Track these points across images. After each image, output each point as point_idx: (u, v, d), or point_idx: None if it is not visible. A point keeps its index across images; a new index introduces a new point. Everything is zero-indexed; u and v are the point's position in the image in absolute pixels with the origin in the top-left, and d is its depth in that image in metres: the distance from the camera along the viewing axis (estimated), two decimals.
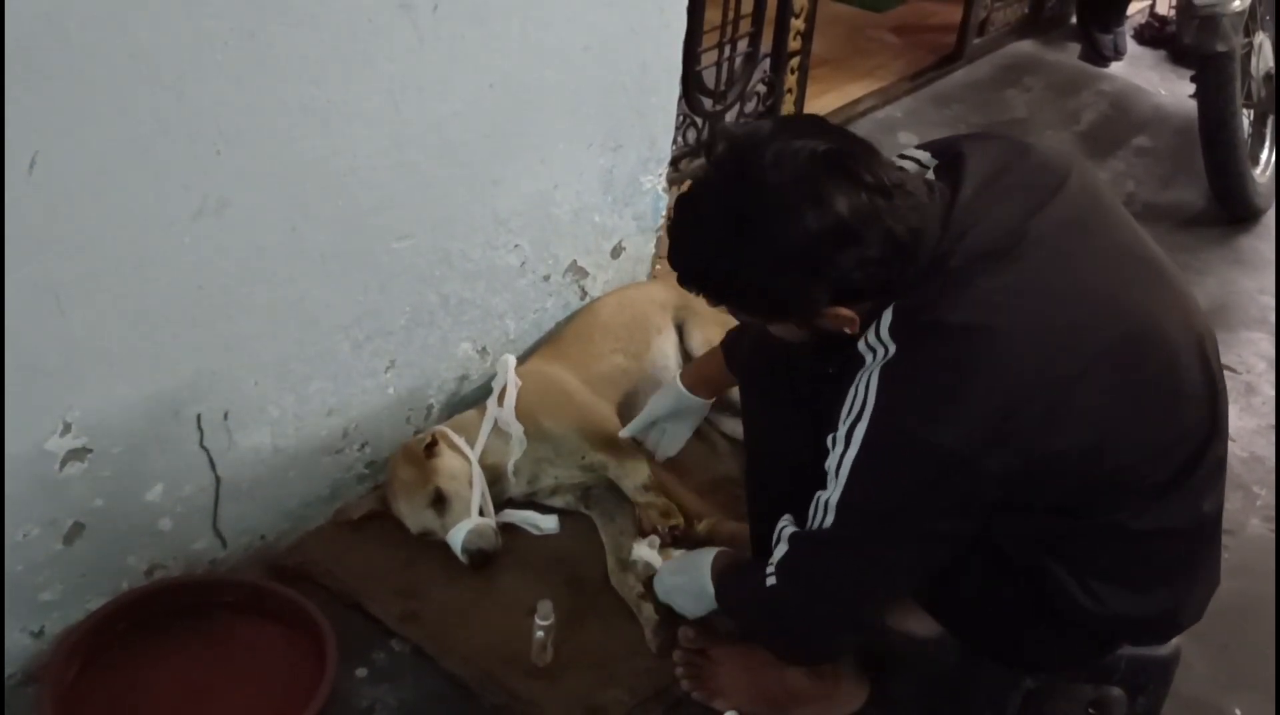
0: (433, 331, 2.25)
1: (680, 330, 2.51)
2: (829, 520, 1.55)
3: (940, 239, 1.47)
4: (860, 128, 3.83)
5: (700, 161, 3.04)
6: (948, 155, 1.58)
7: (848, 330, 1.52)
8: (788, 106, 3.38)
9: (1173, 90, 4.30)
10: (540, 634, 1.92)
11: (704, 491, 2.27)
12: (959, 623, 1.76)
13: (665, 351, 2.47)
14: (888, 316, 1.50)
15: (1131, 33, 4.66)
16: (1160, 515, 1.58)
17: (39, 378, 1.70)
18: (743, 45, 3.12)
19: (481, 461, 2.19)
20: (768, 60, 3.25)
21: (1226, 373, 2.83)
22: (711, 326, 2.42)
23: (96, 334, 1.74)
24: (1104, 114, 4.18)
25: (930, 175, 1.56)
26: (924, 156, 1.61)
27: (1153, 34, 4.68)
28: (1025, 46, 4.55)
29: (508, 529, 2.18)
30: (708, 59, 3.00)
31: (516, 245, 2.33)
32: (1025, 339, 1.46)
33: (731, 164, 1.48)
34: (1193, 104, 3.53)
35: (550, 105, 2.24)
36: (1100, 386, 1.49)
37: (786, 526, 1.66)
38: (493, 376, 2.33)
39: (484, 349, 2.38)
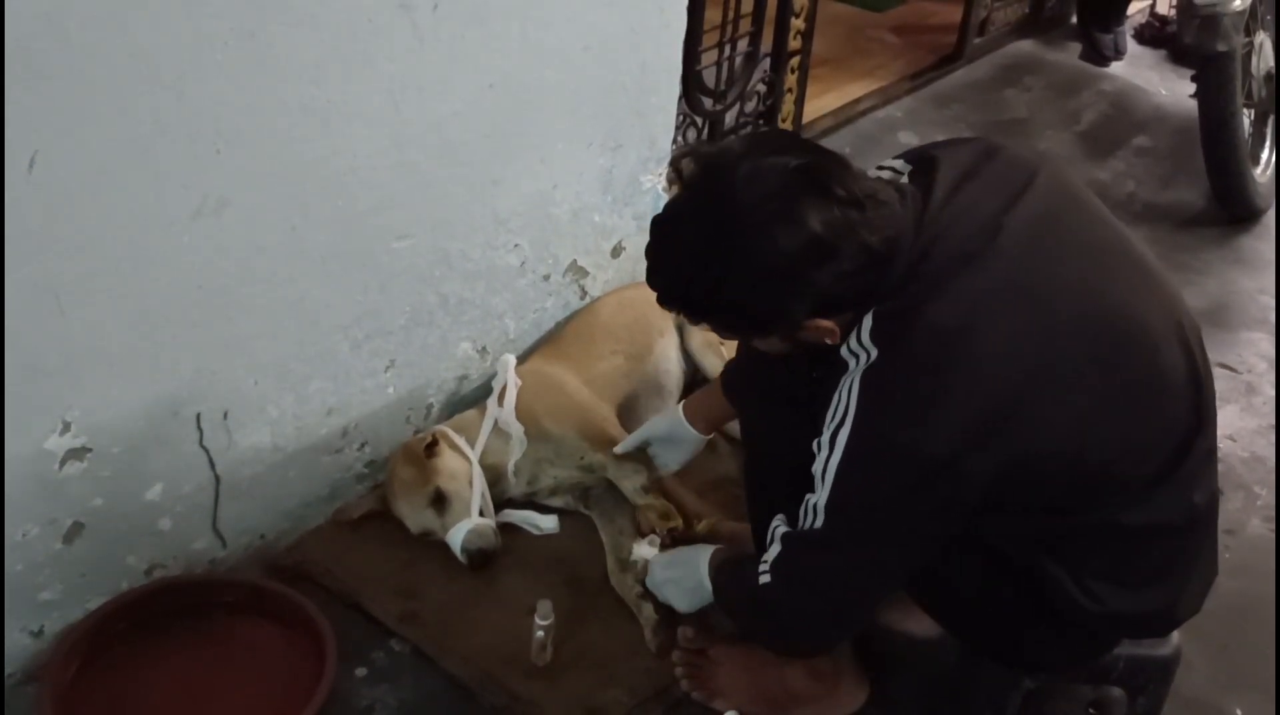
0: (432, 331, 2.25)
1: (681, 331, 2.50)
2: (818, 522, 1.56)
3: (914, 243, 1.49)
4: (860, 128, 3.84)
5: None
6: (921, 162, 1.60)
7: (829, 341, 1.54)
8: (788, 106, 3.38)
9: (1173, 90, 4.30)
10: (540, 634, 1.92)
11: (704, 491, 2.26)
12: (958, 623, 1.76)
13: (666, 353, 2.47)
14: (868, 322, 1.51)
15: (1132, 32, 4.65)
16: (1151, 510, 1.58)
17: (39, 377, 1.70)
18: (743, 45, 3.12)
19: (481, 461, 2.18)
20: (768, 60, 3.24)
21: (1227, 373, 2.88)
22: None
23: (96, 334, 1.74)
24: (1104, 114, 4.17)
25: (905, 181, 1.57)
26: (899, 164, 1.63)
27: (1153, 34, 4.68)
28: (1025, 46, 4.55)
29: (507, 529, 2.18)
30: (708, 59, 2.99)
31: (516, 245, 2.33)
32: (1003, 338, 1.47)
33: (704, 184, 1.49)
34: (1193, 104, 3.54)
35: (550, 105, 2.24)
36: (1081, 383, 1.49)
37: (779, 526, 1.68)
38: (492, 376, 2.33)
39: (484, 349, 2.38)
